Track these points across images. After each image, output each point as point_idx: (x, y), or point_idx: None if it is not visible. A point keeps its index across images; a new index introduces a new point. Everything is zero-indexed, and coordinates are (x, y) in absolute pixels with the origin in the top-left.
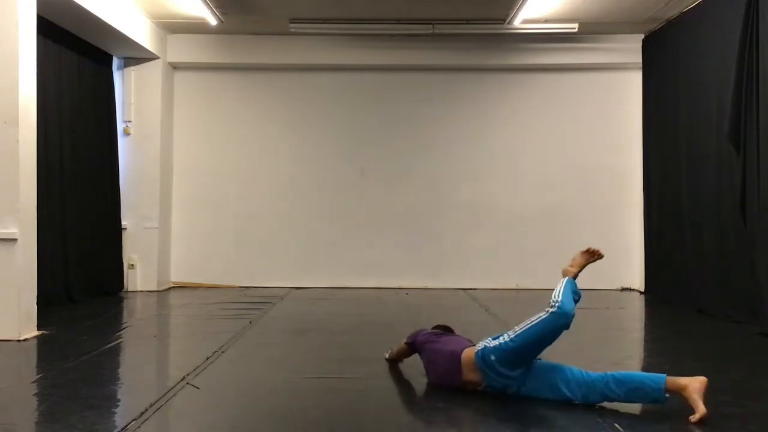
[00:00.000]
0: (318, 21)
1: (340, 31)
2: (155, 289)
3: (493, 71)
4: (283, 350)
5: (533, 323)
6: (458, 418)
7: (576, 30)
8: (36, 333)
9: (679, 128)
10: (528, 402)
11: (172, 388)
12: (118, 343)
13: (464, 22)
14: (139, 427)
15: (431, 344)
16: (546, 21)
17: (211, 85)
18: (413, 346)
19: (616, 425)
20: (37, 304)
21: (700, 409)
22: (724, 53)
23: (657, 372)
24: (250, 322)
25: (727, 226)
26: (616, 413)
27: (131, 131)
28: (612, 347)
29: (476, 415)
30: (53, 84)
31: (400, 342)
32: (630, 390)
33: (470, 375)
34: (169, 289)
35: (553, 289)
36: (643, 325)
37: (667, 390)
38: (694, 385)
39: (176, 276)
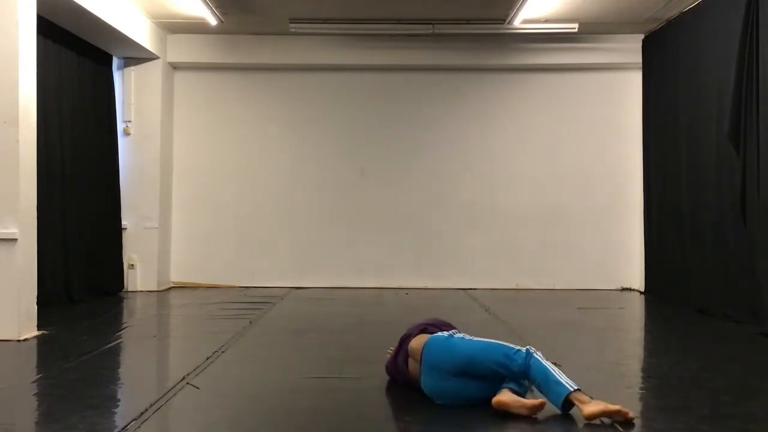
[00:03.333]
0: (318, 21)
1: (340, 31)
2: (155, 289)
3: (493, 71)
4: (283, 350)
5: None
6: (458, 418)
7: (576, 30)
8: (36, 333)
9: (679, 128)
10: None
11: (172, 388)
12: (118, 343)
13: (464, 22)
14: (139, 427)
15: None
16: (546, 21)
17: (211, 85)
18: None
19: (617, 425)
20: (37, 304)
21: (588, 408)
22: (724, 53)
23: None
24: (250, 322)
25: (727, 226)
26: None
27: (131, 131)
28: (612, 347)
29: (476, 415)
30: (53, 84)
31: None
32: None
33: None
34: (169, 289)
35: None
36: (643, 325)
37: (571, 401)
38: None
39: (176, 276)
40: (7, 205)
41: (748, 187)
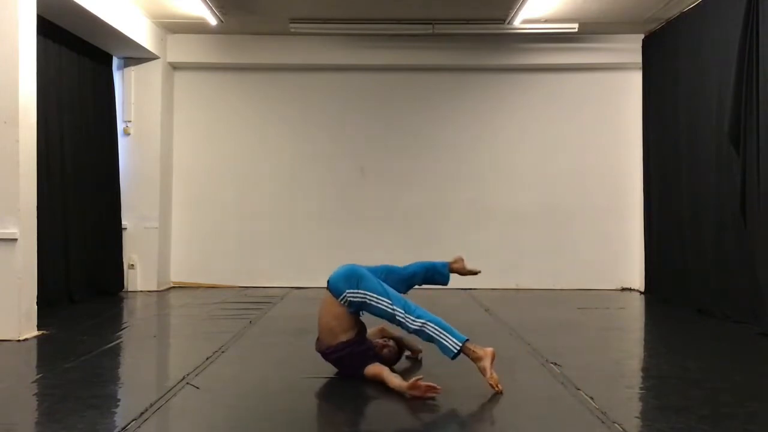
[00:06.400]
0: (318, 21)
1: (340, 31)
2: (155, 289)
3: (493, 71)
4: (283, 350)
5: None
6: (458, 419)
7: (576, 30)
8: (36, 333)
9: (679, 128)
10: (528, 402)
11: (172, 388)
12: (118, 343)
13: (464, 22)
14: (139, 427)
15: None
16: (546, 21)
17: (211, 85)
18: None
19: (617, 425)
20: (37, 304)
21: (491, 377)
22: (724, 53)
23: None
24: (250, 322)
25: (727, 226)
26: (616, 411)
27: (131, 131)
28: (612, 347)
29: (476, 415)
30: (53, 84)
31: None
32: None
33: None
34: (169, 289)
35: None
36: (643, 325)
37: (463, 352)
38: (485, 362)
39: (176, 276)
40: (7, 205)
41: (748, 187)
